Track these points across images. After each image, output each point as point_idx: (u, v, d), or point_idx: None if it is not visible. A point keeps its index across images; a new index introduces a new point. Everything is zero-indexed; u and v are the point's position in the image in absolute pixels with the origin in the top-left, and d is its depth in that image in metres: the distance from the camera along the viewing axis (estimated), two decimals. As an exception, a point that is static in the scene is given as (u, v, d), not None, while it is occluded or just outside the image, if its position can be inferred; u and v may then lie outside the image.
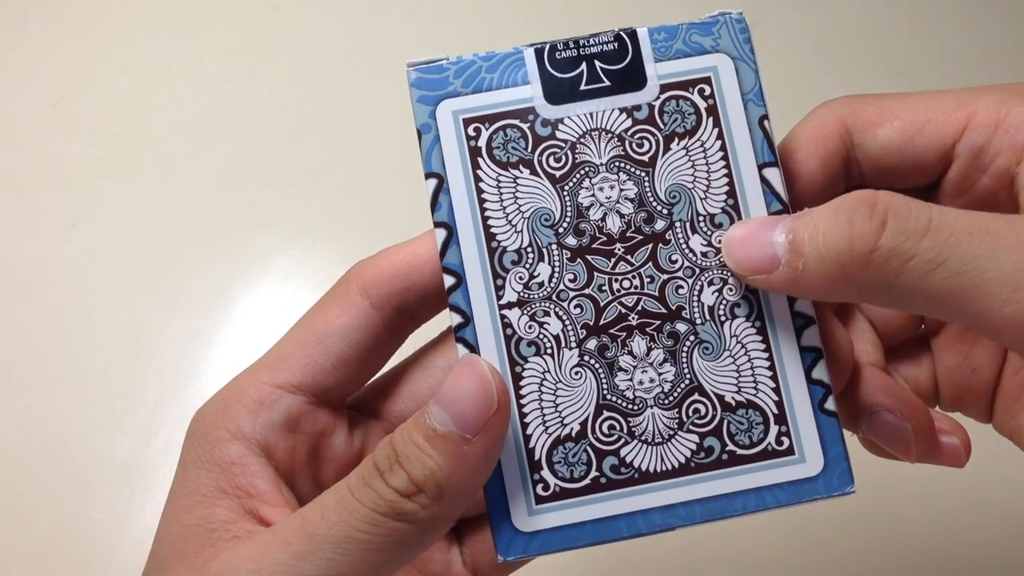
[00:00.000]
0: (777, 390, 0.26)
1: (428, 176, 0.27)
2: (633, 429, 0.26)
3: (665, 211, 0.26)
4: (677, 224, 0.26)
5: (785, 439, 0.26)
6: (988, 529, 0.44)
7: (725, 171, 0.26)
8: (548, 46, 0.27)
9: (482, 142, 0.26)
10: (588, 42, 0.27)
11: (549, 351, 0.26)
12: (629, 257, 0.26)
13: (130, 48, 0.58)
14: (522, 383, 0.26)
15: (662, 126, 0.27)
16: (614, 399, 0.26)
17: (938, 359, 0.31)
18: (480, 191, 0.26)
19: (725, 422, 0.26)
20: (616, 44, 0.27)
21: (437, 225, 0.26)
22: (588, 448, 0.26)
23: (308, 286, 0.50)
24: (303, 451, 0.28)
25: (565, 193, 0.26)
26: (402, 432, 0.24)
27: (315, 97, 0.56)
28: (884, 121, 0.27)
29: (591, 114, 0.27)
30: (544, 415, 0.26)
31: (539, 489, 0.25)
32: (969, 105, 0.26)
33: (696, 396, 0.26)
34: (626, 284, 0.26)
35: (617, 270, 0.26)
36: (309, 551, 0.23)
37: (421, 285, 0.27)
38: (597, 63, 0.27)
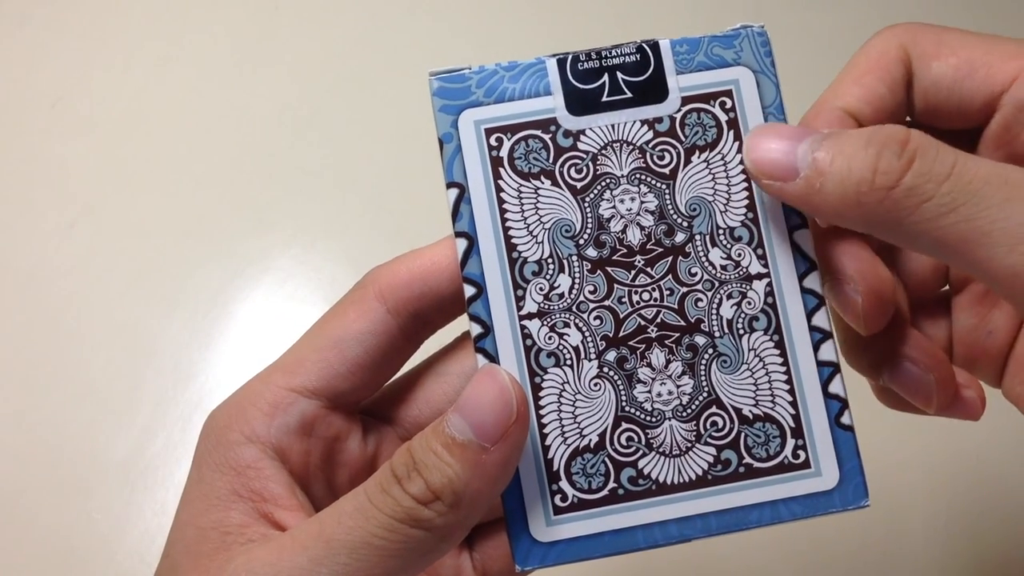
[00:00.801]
0: (794, 404, 0.26)
1: (449, 186, 0.26)
2: (651, 441, 0.26)
3: (685, 224, 0.26)
4: (697, 237, 0.26)
5: (801, 452, 0.26)
6: (988, 528, 0.44)
7: (745, 184, 0.26)
8: (571, 57, 0.27)
9: (504, 152, 0.26)
10: (611, 53, 0.27)
11: (568, 362, 0.26)
12: (649, 269, 0.26)
13: (130, 47, 0.58)
14: (541, 394, 0.26)
15: (683, 138, 0.27)
16: (632, 411, 0.26)
17: (956, 319, 0.31)
18: (501, 201, 0.26)
19: (742, 435, 0.26)
20: (638, 56, 0.27)
21: (458, 235, 0.26)
22: (606, 459, 0.26)
23: (308, 286, 0.50)
24: (317, 455, 0.28)
25: (586, 204, 0.26)
26: (420, 440, 0.24)
27: (315, 97, 0.56)
28: (941, 55, 0.27)
29: (612, 126, 0.27)
30: (563, 426, 0.26)
31: (557, 500, 0.25)
32: (1021, 54, 0.26)
33: (714, 409, 0.26)
34: (645, 296, 0.26)
35: (637, 282, 0.26)
36: (326, 555, 0.23)
37: (438, 291, 0.27)
38: (619, 74, 0.27)
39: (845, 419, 0.26)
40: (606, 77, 0.27)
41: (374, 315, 0.27)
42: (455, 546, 0.25)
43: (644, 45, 0.27)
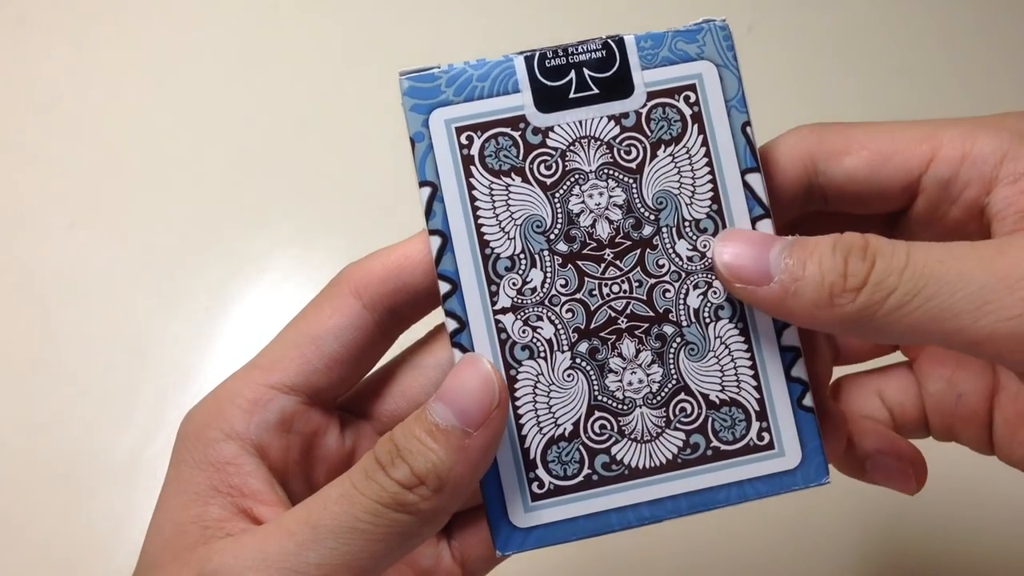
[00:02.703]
0: (759, 388, 0.27)
1: (422, 184, 0.27)
2: (623, 428, 0.27)
3: (652, 217, 0.27)
4: (664, 230, 0.27)
5: (766, 434, 0.27)
6: (988, 531, 0.44)
7: (710, 177, 0.27)
8: (538, 54, 0.27)
9: (474, 150, 0.27)
10: (577, 50, 0.27)
11: (542, 355, 0.27)
12: (618, 262, 0.27)
13: (130, 48, 0.58)
14: (517, 386, 0.27)
15: (649, 133, 0.27)
16: (605, 399, 0.27)
17: (923, 387, 0.32)
18: (473, 199, 0.27)
19: (710, 419, 0.27)
20: (604, 52, 0.27)
21: (432, 232, 0.27)
22: (580, 447, 0.27)
23: (307, 286, 0.50)
24: (297, 451, 0.28)
25: (556, 200, 0.27)
26: (403, 428, 0.25)
27: (314, 97, 0.56)
28: (851, 150, 0.28)
29: (580, 122, 0.27)
30: (538, 416, 0.27)
31: (535, 487, 0.27)
32: (934, 138, 0.27)
33: (683, 395, 0.27)
34: (615, 288, 0.27)
35: (607, 275, 0.27)
36: (313, 540, 0.24)
37: (412, 286, 0.28)
38: (586, 71, 0.27)
39: (807, 401, 0.27)
40: (573, 74, 0.27)
41: (350, 310, 0.28)
42: (437, 530, 0.26)
43: (609, 41, 0.27)
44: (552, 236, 0.27)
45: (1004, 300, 0.23)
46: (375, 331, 0.28)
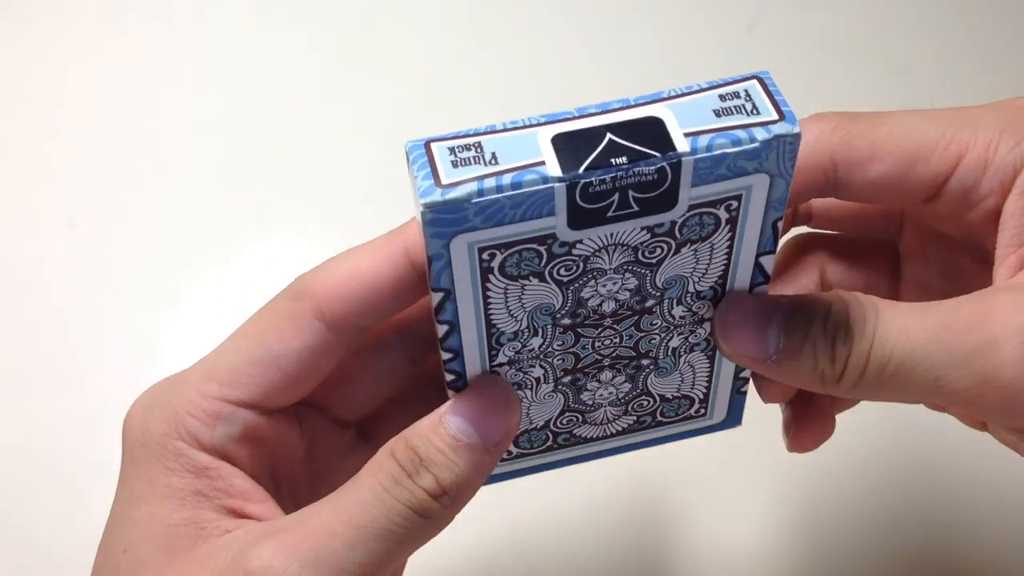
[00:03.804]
0: (708, 387, 0.30)
1: (435, 290, 0.25)
2: (587, 418, 0.30)
3: (658, 294, 0.27)
4: (666, 301, 0.27)
5: (703, 409, 0.31)
6: (990, 529, 0.44)
7: (725, 262, 0.26)
8: (581, 183, 0.23)
9: (495, 263, 0.24)
10: (627, 175, 0.23)
11: (529, 387, 0.28)
12: (616, 326, 0.27)
13: (130, 48, 0.58)
14: None
15: (679, 236, 0.25)
16: (576, 406, 0.30)
17: None
18: (487, 300, 0.25)
19: (660, 408, 0.31)
20: (656, 176, 0.23)
21: (440, 323, 0.26)
22: (548, 432, 0.30)
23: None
24: (263, 456, 0.28)
25: (569, 292, 0.26)
26: (421, 437, 0.26)
27: (314, 97, 0.56)
28: (876, 158, 0.28)
29: (612, 233, 0.24)
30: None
31: (503, 456, 0.30)
32: (960, 141, 0.27)
33: (643, 397, 0.30)
34: (607, 343, 0.28)
35: (602, 335, 0.28)
36: (357, 540, 0.25)
37: (379, 308, 0.28)
38: (631, 192, 0.24)
39: (744, 388, 0.31)
40: (616, 196, 0.24)
41: (313, 333, 0.28)
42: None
43: (665, 166, 0.23)
44: (558, 316, 0.26)
45: (952, 375, 0.25)
46: (338, 350, 0.28)
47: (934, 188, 0.28)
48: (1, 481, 0.46)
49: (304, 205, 0.53)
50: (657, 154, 0.23)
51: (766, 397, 0.31)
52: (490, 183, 0.22)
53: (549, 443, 0.31)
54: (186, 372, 0.28)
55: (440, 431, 0.26)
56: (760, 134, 0.23)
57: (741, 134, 0.23)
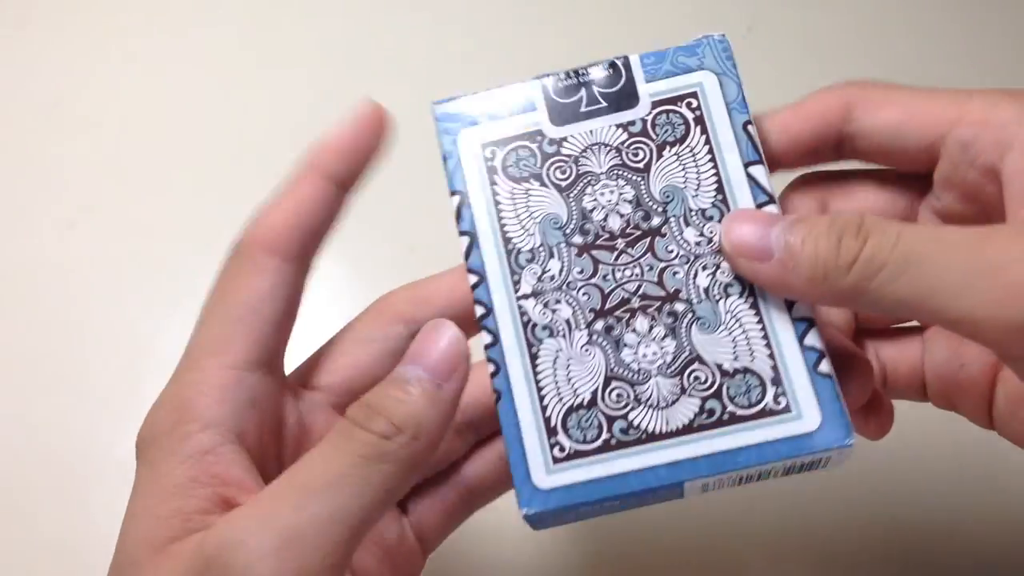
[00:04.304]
0: (772, 356, 0.28)
1: (452, 193, 0.31)
2: (639, 396, 0.28)
3: (660, 209, 0.29)
4: (672, 219, 0.29)
5: (782, 399, 0.28)
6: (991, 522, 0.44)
7: (713, 171, 0.29)
8: (552, 78, 0.31)
9: (497, 162, 0.30)
10: (586, 72, 0.31)
11: (561, 333, 0.29)
12: (629, 250, 0.29)
13: (130, 48, 0.58)
14: (538, 361, 0.29)
15: (655, 137, 0.30)
16: (620, 371, 0.29)
17: (928, 351, 0.32)
18: (497, 203, 0.30)
19: (724, 386, 0.28)
20: (611, 71, 0.31)
21: (462, 234, 0.30)
22: (599, 414, 0.28)
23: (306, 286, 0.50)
24: (267, 429, 0.28)
25: (571, 200, 0.30)
26: (375, 392, 0.26)
27: (314, 97, 0.56)
28: (885, 106, 0.30)
29: (591, 131, 0.30)
30: (558, 387, 0.29)
31: (556, 451, 0.28)
32: (962, 105, 0.29)
33: (696, 365, 0.28)
34: (627, 273, 0.29)
35: (619, 261, 0.29)
36: (304, 500, 0.24)
37: (316, 228, 0.30)
38: (595, 87, 0.31)
39: (823, 367, 0.28)
40: (583, 91, 0.31)
41: (272, 268, 0.29)
42: (416, 480, 0.27)
43: (616, 61, 0.31)
44: (568, 231, 0.30)
45: (982, 284, 0.24)
46: (300, 280, 0.30)
47: (932, 141, 0.29)
48: (1, 481, 0.46)
49: (304, 205, 0.53)
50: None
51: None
52: (487, 90, 0.31)
53: (605, 434, 0.28)
54: (181, 363, 0.29)
55: (394, 379, 0.26)
56: (693, 40, 0.31)
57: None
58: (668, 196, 0.29)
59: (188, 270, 0.51)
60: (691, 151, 0.30)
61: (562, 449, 0.28)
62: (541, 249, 0.29)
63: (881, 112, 0.30)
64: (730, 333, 0.28)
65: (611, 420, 0.28)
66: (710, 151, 0.29)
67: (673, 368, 0.28)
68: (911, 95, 0.30)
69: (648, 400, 0.28)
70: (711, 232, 0.29)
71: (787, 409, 0.27)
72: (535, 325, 0.29)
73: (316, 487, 0.24)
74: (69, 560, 0.44)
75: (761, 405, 0.27)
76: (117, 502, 0.45)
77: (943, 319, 0.25)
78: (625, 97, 0.30)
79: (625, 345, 0.29)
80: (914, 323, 0.33)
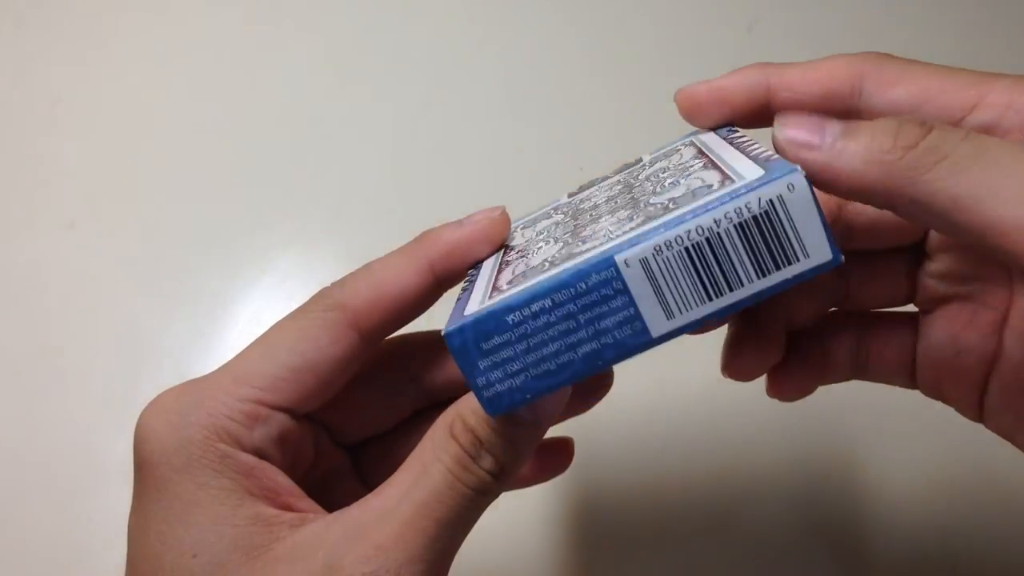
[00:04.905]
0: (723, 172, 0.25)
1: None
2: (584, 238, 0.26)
3: (643, 175, 0.29)
4: (651, 175, 0.28)
5: (726, 180, 0.24)
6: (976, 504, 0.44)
7: (702, 160, 0.27)
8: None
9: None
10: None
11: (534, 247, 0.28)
12: (609, 193, 0.29)
13: (130, 48, 0.58)
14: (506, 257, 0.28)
15: (648, 165, 0.30)
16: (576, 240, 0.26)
17: (923, 335, 0.31)
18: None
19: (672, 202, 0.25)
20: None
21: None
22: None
23: (307, 286, 0.50)
24: (288, 461, 0.29)
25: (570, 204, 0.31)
26: (477, 417, 0.26)
27: (315, 96, 0.56)
28: (900, 83, 0.28)
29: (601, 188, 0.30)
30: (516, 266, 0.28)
31: (491, 292, 0.26)
32: (982, 86, 0.27)
33: (651, 210, 0.25)
34: (602, 196, 0.29)
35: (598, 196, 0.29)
36: (439, 534, 0.26)
37: (405, 316, 0.30)
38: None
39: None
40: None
41: (348, 342, 0.29)
42: None
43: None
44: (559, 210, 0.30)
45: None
46: (364, 356, 0.30)
47: (953, 120, 0.27)
48: (1, 481, 0.46)
49: (304, 206, 0.53)
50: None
51: (733, 369, 0.31)
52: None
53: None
54: (211, 378, 0.29)
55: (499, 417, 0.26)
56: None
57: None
58: (655, 173, 0.28)
59: (188, 270, 0.51)
60: (680, 155, 0.29)
61: (497, 290, 0.25)
62: (532, 225, 0.30)
63: (894, 90, 0.28)
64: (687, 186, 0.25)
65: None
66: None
67: (627, 221, 0.25)
68: (928, 73, 0.28)
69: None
70: (693, 169, 0.26)
71: (730, 180, 0.24)
72: (512, 248, 0.29)
73: (449, 523, 0.26)
74: (69, 560, 0.44)
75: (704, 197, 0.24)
76: (116, 503, 0.45)
77: (993, 226, 0.22)
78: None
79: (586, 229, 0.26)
80: (907, 308, 0.32)
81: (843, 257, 0.22)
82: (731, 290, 0.23)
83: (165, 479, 0.27)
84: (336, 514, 0.27)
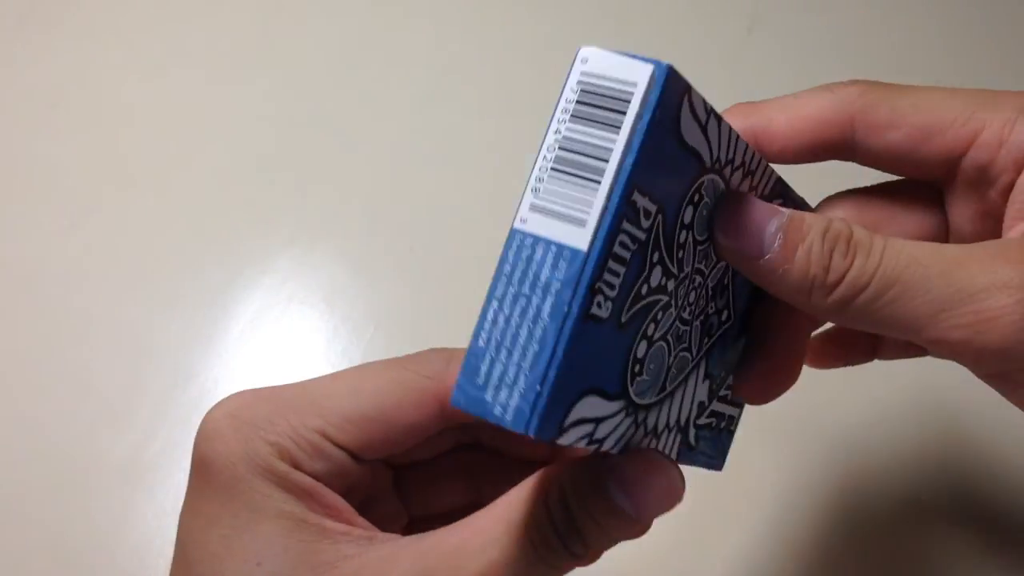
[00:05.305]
0: None
1: None
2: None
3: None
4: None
5: None
6: (962, 497, 0.44)
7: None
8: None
9: None
10: None
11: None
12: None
13: (130, 48, 0.58)
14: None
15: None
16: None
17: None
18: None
19: None
20: None
21: None
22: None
23: (307, 286, 0.50)
24: (342, 492, 0.29)
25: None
26: (579, 499, 0.25)
27: (315, 97, 0.56)
28: (893, 125, 0.28)
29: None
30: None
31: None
32: (977, 119, 0.28)
33: None
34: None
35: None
36: None
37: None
38: None
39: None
40: None
41: (430, 415, 0.29)
42: None
43: None
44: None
45: (956, 311, 0.24)
46: (438, 433, 0.30)
47: (949, 162, 0.28)
48: (0, 481, 0.46)
49: (305, 206, 0.53)
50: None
51: (747, 392, 0.31)
52: None
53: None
54: (288, 395, 0.29)
55: (599, 499, 0.25)
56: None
57: None
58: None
59: (188, 270, 0.51)
60: None
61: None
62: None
63: (889, 134, 0.28)
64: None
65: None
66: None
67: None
68: (919, 110, 0.28)
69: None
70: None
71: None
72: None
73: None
74: (69, 560, 0.44)
75: None
76: (116, 503, 0.45)
77: (921, 340, 0.25)
78: None
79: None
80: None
81: (666, 63, 0.23)
82: (605, 161, 0.22)
83: (231, 484, 0.27)
84: (407, 541, 0.26)
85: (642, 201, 0.23)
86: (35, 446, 0.46)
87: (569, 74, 0.24)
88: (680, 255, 0.25)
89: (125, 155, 0.54)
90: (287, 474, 0.27)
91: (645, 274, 0.24)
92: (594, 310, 0.22)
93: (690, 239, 0.25)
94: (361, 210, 0.53)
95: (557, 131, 0.23)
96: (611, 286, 0.23)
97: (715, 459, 0.32)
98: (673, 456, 0.28)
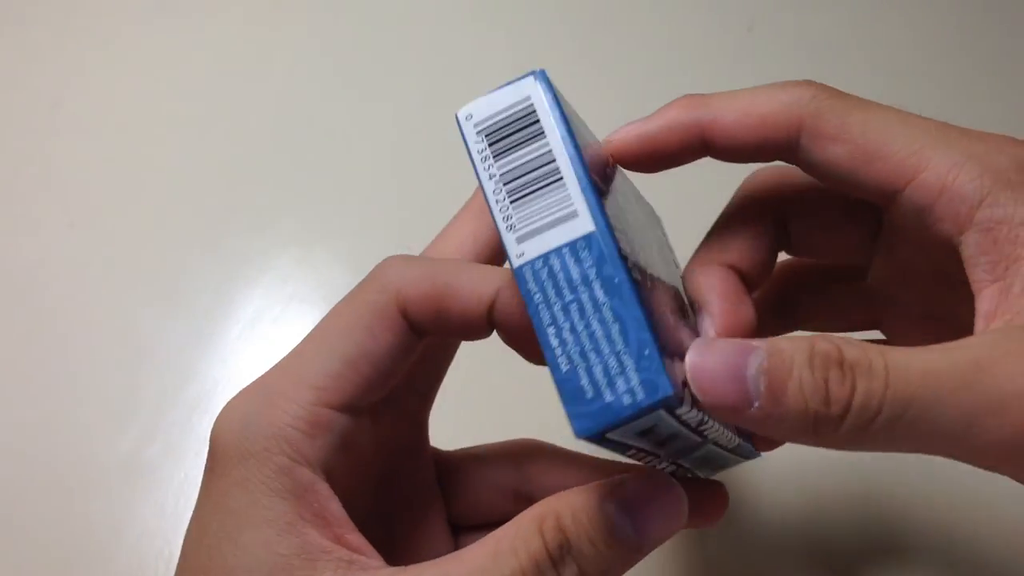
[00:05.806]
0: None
1: None
2: None
3: None
4: None
5: None
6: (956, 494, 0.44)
7: None
8: None
9: None
10: None
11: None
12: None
13: (129, 48, 0.58)
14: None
15: None
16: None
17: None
18: None
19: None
20: None
21: None
22: None
23: (307, 286, 0.50)
24: (354, 468, 0.28)
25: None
26: (575, 521, 0.24)
27: (315, 96, 0.56)
28: (838, 140, 0.26)
29: None
30: None
31: None
32: (922, 156, 0.25)
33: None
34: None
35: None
36: None
37: (459, 314, 0.27)
38: None
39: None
40: None
41: (401, 331, 0.28)
42: None
43: None
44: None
45: (988, 423, 0.22)
46: (418, 343, 0.28)
47: (886, 192, 0.26)
48: (0, 482, 0.46)
49: (305, 206, 0.53)
50: None
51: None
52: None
53: None
54: (273, 380, 0.28)
55: (597, 521, 0.24)
56: None
57: None
58: None
59: (188, 270, 0.51)
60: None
61: None
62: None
63: (832, 147, 0.26)
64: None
65: None
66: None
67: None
68: (867, 130, 0.26)
69: None
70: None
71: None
72: None
73: None
74: (69, 560, 0.44)
75: None
76: (116, 503, 0.45)
77: (955, 455, 0.23)
78: None
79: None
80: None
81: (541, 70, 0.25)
82: (553, 161, 0.24)
83: (224, 491, 0.26)
84: (387, 573, 0.25)
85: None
86: (35, 446, 0.46)
87: (464, 136, 0.26)
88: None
89: (125, 155, 0.54)
90: (283, 470, 0.26)
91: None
92: (634, 274, 0.23)
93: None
94: (361, 210, 0.53)
95: (491, 176, 0.25)
96: (625, 251, 0.23)
97: (753, 451, 0.31)
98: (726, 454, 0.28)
